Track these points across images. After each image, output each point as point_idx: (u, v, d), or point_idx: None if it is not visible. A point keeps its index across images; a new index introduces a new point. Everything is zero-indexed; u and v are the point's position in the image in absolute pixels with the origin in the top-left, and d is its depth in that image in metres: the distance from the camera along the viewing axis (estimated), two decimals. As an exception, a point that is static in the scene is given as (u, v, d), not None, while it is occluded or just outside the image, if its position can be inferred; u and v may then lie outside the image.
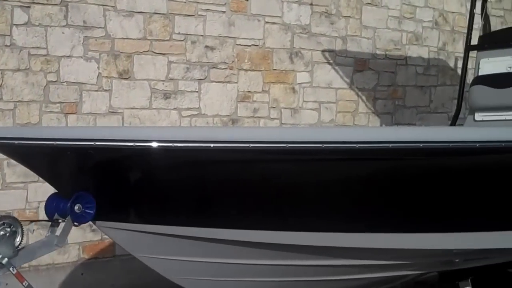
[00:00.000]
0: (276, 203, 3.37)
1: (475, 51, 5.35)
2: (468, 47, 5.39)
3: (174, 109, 5.79)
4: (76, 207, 3.04)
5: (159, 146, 3.03)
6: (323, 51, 6.74)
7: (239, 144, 3.10)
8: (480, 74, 5.11)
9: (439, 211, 3.75)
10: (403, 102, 7.29)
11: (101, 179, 3.09)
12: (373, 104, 7.04)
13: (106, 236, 5.42)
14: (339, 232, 3.57)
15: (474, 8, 5.33)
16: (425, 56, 7.55)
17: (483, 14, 5.38)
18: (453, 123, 5.38)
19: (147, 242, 3.19)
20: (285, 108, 6.42)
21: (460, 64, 7.78)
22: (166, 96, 5.76)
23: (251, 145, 3.12)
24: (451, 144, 3.58)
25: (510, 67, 4.90)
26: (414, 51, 7.45)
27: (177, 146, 3.03)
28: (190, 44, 5.92)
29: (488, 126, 4.83)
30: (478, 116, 5.04)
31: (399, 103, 7.25)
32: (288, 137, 3.24)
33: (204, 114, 5.94)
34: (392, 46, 7.27)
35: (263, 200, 3.33)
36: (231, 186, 3.24)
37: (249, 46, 6.27)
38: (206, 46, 6.02)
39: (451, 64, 7.80)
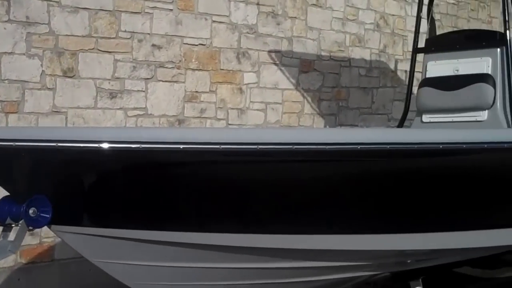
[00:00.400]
0: (234, 205, 3.34)
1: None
2: (415, 50, 5.50)
3: (120, 109, 5.68)
4: (30, 211, 2.93)
5: (111, 147, 2.95)
6: (269, 51, 6.75)
7: (196, 146, 3.05)
8: (427, 76, 5.22)
9: (390, 212, 3.81)
10: (347, 103, 7.39)
11: (57, 182, 2.99)
12: (318, 105, 7.10)
13: (45, 240, 5.27)
14: (292, 234, 3.57)
15: (421, 11, 5.44)
16: (367, 58, 7.68)
17: (429, 17, 5.50)
18: (400, 125, 5.48)
19: (104, 247, 3.10)
20: (232, 108, 6.39)
21: (400, 66, 7.97)
22: (112, 95, 5.64)
23: (210, 146, 3.08)
24: (401, 146, 3.64)
25: (457, 70, 5.03)
26: (357, 53, 7.56)
27: (133, 147, 2.97)
28: (136, 42, 5.82)
29: (436, 128, 4.94)
30: (426, 117, 5.14)
31: (342, 104, 7.34)
32: (245, 137, 3.21)
33: (150, 114, 5.85)
34: (336, 47, 7.35)
35: (221, 202, 3.30)
36: (188, 188, 3.20)
37: (197, 45, 6.22)
38: (153, 45, 5.92)
39: (392, 66, 7.95)
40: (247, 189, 3.34)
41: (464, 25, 8.39)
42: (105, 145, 2.92)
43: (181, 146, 2.95)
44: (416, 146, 3.60)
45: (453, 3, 8.35)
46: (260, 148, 3.13)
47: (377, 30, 7.81)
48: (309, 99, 7.02)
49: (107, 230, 3.08)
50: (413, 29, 8.09)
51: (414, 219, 3.92)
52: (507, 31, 4.82)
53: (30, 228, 2.98)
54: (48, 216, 2.97)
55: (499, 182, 4.10)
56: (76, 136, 2.97)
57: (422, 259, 4.15)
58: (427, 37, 5.47)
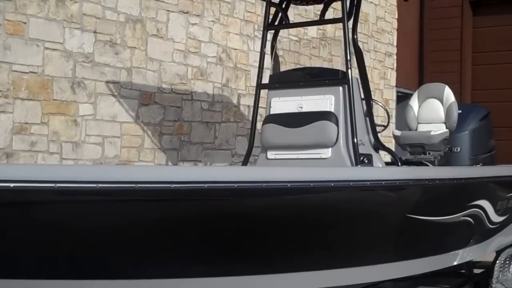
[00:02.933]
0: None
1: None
2: (259, 86, 5.57)
3: None
4: None
5: None
6: (107, 82, 6.56)
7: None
8: (271, 112, 5.29)
9: (237, 254, 3.77)
10: (189, 138, 7.34)
11: None
12: (159, 140, 6.99)
13: None
14: (134, 279, 3.43)
15: (264, 47, 5.54)
16: (210, 92, 7.71)
17: (273, 53, 5.61)
18: (245, 162, 5.50)
19: None
20: (66, 142, 6.11)
21: (242, 101, 8.09)
22: None
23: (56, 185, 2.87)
24: (250, 184, 3.63)
25: (300, 107, 5.14)
26: (199, 86, 7.57)
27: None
28: (-43, 67, 5.42)
29: (280, 165, 5.00)
30: (271, 154, 5.20)
31: (185, 139, 7.29)
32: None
33: (-27, 147, 5.44)
34: (178, 80, 7.31)
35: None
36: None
37: (27, 73, 5.90)
38: (-23, 71, 5.54)
39: (234, 101, 8.04)
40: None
41: (306, 62, 8.70)
42: None
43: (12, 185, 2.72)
44: (264, 184, 3.60)
45: (295, 40, 8.64)
46: (100, 187, 2.97)
47: (220, 64, 7.88)
48: (150, 133, 6.90)
49: None
50: (256, 64, 8.29)
51: (262, 260, 3.91)
52: (349, 70, 5.02)
53: None
54: None
55: (347, 221, 4.20)
56: None
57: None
58: (271, 73, 5.56)
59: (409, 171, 4.80)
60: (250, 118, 8.12)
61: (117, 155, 6.52)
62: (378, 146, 5.20)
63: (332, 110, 5.03)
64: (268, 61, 8.03)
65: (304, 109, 5.15)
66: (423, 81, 12.55)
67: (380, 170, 4.90)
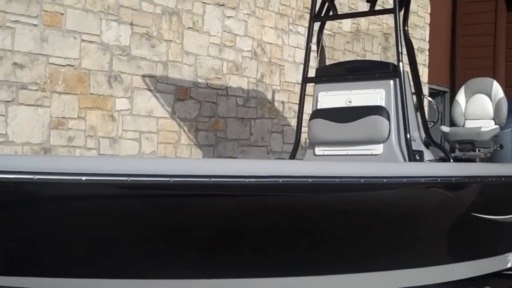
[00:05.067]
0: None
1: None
2: (305, 79, 5.48)
3: (-24, 134, 5.18)
4: None
5: None
6: (143, 76, 6.50)
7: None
8: (318, 107, 5.20)
9: (288, 252, 3.68)
10: (225, 134, 7.27)
11: None
12: (195, 136, 6.92)
13: None
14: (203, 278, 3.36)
15: (311, 40, 5.45)
16: (245, 87, 7.63)
17: (319, 47, 5.52)
18: (292, 157, 5.41)
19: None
20: (104, 137, 6.05)
21: (277, 97, 8.01)
22: (-33, 119, 5.14)
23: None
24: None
25: (349, 101, 5.05)
26: (234, 81, 7.49)
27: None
28: (-5, 59, 5.36)
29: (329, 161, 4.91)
30: (319, 150, 5.11)
31: (220, 135, 7.21)
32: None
33: (12, 141, 5.38)
34: (213, 74, 7.24)
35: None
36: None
37: (64, 66, 5.84)
38: (15, 63, 5.48)
39: (269, 96, 7.96)
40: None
41: (340, 57, 8.60)
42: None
43: (83, 178, 2.65)
44: (329, 179, 3.53)
45: (329, 34, 8.53)
46: (174, 180, 2.89)
47: (255, 58, 7.80)
48: (186, 129, 6.83)
49: None
50: (290, 59, 8.26)
51: (318, 260, 3.83)
52: (400, 63, 4.93)
53: None
54: None
55: (399, 219, 4.12)
56: None
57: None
58: (317, 67, 5.47)
59: (471, 168, 4.71)
60: (285, 115, 8.08)
61: (154, 151, 6.46)
62: (429, 142, 5.10)
63: (383, 105, 4.94)
64: (301, 56, 8.00)
65: (353, 104, 5.06)
66: (455, 78, 12.42)
67: (448, 166, 4.78)
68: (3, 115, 5.37)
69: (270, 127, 7.83)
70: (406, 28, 5.13)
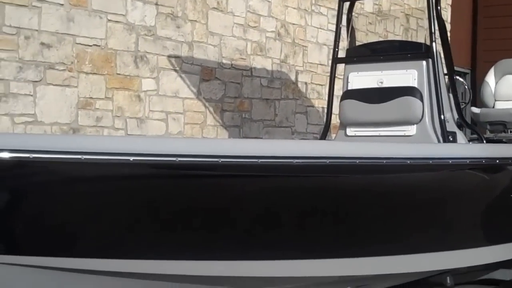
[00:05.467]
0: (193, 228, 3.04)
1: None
2: (335, 60, 5.43)
3: (5, 114, 5.16)
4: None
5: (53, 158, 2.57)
6: (169, 56, 6.47)
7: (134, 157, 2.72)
8: (349, 88, 5.15)
9: (330, 234, 3.66)
10: (250, 115, 7.24)
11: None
12: (221, 116, 6.89)
13: None
14: (232, 260, 3.32)
15: (341, 22, 5.39)
16: (269, 68, 7.58)
17: (350, 27, 5.46)
18: (322, 139, 5.38)
19: (35, 281, 2.68)
20: (131, 117, 6.03)
21: (300, 78, 7.96)
22: (-4, 99, 5.12)
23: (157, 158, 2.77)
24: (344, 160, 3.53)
25: (381, 82, 5.00)
26: (258, 62, 7.44)
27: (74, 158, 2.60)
28: (23, 39, 5.34)
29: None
30: (350, 131, 5.07)
31: (246, 116, 7.18)
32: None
33: (40, 121, 5.37)
34: (238, 55, 7.19)
35: (176, 224, 2.99)
36: (146, 207, 2.86)
37: (90, 46, 5.81)
38: (42, 43, 5.46)
39: (293, 77, 7.91)
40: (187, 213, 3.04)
41: (363, 38, 8.53)
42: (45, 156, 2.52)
43: (131, 158, 2.62)
44: (358, 161, 3.50)
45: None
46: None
47: (278, 39, 7.74)
48: (212, 109, 6.80)
49: (37, 259, 2.65)
50: (314, 39, 8.19)
51: (356, 241, 3.80)
52: (433, 43, 4.87)
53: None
54: None
55: (437, 200, 4.09)
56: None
57: (363, 285, 4.04)
58: (347, 47, 5.42)
59: (506, 149, 4.66)
60: (308, 96, 8.04)
61: (181, 131, 6.44)
62: (462, 123, 5.04)
63: (416, 86, 4.89)
64: (324, 36, 7.95)
65: (385, 84, 5.01)
66: (476, 59, 12.31)
67: (484, 147, 4.75)
68: (31, 95, 5.36)
69: (294, 108, 7.79)
70: (439, 7, 5.04)
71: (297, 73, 7.96)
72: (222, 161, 2.86)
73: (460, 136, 5.02)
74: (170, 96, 6.42)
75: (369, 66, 5.13)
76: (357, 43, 5.59)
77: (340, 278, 3.81)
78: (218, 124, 6.85)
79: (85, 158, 2.56)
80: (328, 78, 8.22)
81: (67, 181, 2.63)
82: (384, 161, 3.70)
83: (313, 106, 8.06)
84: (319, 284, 3.81)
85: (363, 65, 5.16)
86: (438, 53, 4.93)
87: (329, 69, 8.23)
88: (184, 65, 6.60)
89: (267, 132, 7.39)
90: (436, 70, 4.83)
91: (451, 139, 4.87)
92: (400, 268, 3.96)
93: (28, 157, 2.48)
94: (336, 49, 5.41)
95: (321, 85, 8.22)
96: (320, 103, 8.12)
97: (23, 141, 2.57)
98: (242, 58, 7.24)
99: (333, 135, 5.95)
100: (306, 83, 8.06)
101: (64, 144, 2.61)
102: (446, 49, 5.06)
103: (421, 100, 4.83)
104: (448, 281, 4.64)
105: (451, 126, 4.97)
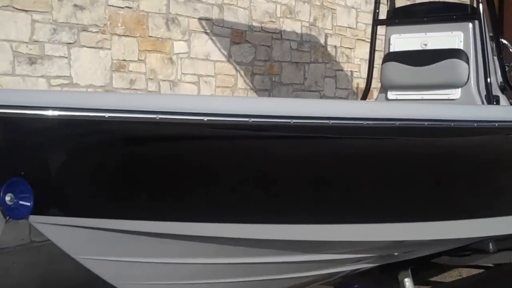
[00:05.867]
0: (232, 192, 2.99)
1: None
2: (376, 21, 5.31)
3: (42, 76, 5.09)
4: (7, 198, 2.43)
5: (111, 116, 2.50)
6: (200, 19, 6.35)
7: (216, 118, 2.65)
8: (391, 50, 5.04)
9: (387, 198, 3.60)
10: (280, 79, 7.14)
11: (38, 161, 2.50)
12: (251, 80, 6.81)
13: None
14: (285, 224, 3.27)
15: (380, -19, 5.26)
16: (298, 31, 7.46)
17: (389, -13, 5.33)
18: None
19: (93, 241, 2.65)
20: (164, 80, 5.95)
21: (329, 41, 7.84)
22: (32, 61, 5.03)
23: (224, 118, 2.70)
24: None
25: (425, 44, 4.89)
26: (288, 25, 7.32)
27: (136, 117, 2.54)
28: (56, 1, 5.23)
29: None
30: (392, 94, 4.98)
31: (275, 80, 7.09)
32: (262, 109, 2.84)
33: (76, 83, 5.30)
34: (268, 18, 7.07)
35: (217, 188, 2.93)
36: (188, 171, 2.80)
37: (123, 8, 5.70)
38: (75, 5, 5.35)
39: (322, 41, 7.79)
40: (246, 176, 2.98)
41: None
42: (105, 114, 2.46)
43: (205, 119, 2.56)
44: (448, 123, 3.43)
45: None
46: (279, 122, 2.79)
47: (307, 2, 7.61)
48: (242, 72, 6.71)
49: (98, 220, 2.62)
50: (342, 2, 8.05)
51: (405, 207, 3.75)
52: (480, 5, 4.75)
53: (9, 218, 2.47)
54: (29, 204, 2.48)
55: (490, 164, 4.02)
56: (57, 102, 2.49)
57: (411, 251, 4.00)
58: (388, 8, 5.30)
59: None
60: (337, 59, 7.93)
61: (213, 94, 6.36)
62: (506, 86, 4.95)
63: (462, 48, 4.79)
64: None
65: (429, 47, 4.91)
66: (503, 35, 12.11)
67: None
68: (66, 57, 5.27)
69: (323, 71, 7.69)
70: (484, -33, 4.91)
71: (326, 36, 7.84)
72: (293, 122, 2.80)
73: (503, 100, 4.93)
74: (202, 59, 6.33)
75: (412, 28, 5.02)
76: (397, 5, 5.47)
77: (392, 243, 3.76)
78: (248, 88, 6.76)
79: (160, 118, 2.50)
80: (356, 41, 8.22)
81: (141, 141, 2.58)
82: (452, 124, 3.62)
83: (342, 70, 7.95)
84: (370, 250, 3.76)
85: (405, 27, 5.04)
86: (484, 15, 4.81)
87: (358, 32, 8.21)
88: (215, 27, 6.49)
89: (296, 96, 7.30)
90: (483, 32, 4.72)
91: (495, 103, 4.79)
92: (447, 234, 3.90)
93: (104, 116, 2.43)
94: (377, 11, 5.29)
95: (350, 48, 8.10)
96: (349, 67, 8.02)
97: (99, 101, 2.51)
98: (271, 21, 7.12)
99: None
100: (335, 46, 7.94)
101: (139, 103, 2.57)
102: (491, 11, 4.94)
103: (467, 62, 4.73)
104: (491, 247, 4.61)
105: (495, 90, 4.88)
